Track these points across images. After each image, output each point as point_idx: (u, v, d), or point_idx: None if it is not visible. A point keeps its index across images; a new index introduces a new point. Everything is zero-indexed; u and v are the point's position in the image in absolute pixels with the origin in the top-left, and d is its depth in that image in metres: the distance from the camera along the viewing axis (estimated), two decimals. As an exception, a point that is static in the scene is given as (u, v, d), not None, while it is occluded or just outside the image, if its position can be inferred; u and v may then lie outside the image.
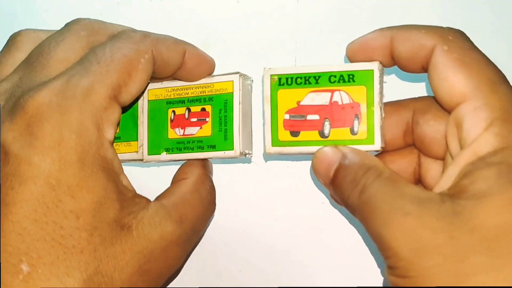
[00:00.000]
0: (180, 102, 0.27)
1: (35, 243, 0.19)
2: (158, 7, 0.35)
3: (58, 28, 0.31)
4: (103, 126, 0.21)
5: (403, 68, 0.24)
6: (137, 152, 0.27)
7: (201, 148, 0.26)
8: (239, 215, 0.31)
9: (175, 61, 0.25)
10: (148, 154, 0.27)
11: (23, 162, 0.19)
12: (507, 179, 0.19)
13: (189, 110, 0.26)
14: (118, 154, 0.25)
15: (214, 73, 0.27)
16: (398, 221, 0.19)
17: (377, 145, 0.23)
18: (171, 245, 0.22)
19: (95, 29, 0.24)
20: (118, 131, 0.27)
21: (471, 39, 0.23)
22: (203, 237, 0.31)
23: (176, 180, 0.26)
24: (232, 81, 0.26)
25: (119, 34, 0.24)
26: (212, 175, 0.28)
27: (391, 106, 0.25)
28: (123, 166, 0.24)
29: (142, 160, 0.27)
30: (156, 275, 0.22)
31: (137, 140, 0.27)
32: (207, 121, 0.26)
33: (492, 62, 0.22)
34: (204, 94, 0.26)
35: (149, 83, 0.26)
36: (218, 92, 0.26)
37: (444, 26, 0.23)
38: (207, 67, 0.26)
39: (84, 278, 0.19)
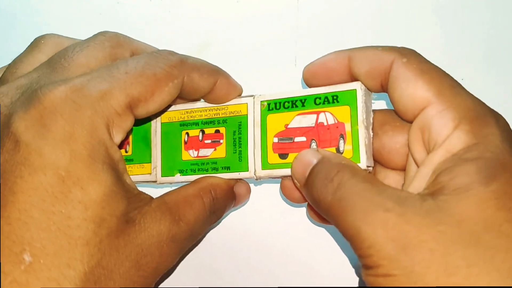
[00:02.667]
0: (194, 124, 0.27)
1: (40, 233, 0.19)
2: (158, 7, 0.35)
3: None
4: (113, 130, 0.22)
5: (366, 85, 0.24)
6: (150, 174, 0.27)
7: (215, 170, 0.27)
8: (239, 215, 0.31)
9: (204, 89, 0.26)
10: (161, 176, 0.27)
11: (33, 152, 0.19)
12: (487, 173, 0.19)
13: (203, 132, 0.27)
14: (131, 176, 0.27)
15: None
16: (379, 218, 0.19)
17: (363, 164, 0.24)
18: (167, 241, 0.22)
19: (120, 43, 0.25)
20: (130, 152, 0.28)
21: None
22: (204, 238, 0.31)
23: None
24: (246, 103, 0.27)
25: (158, 53, 0.24)
26: (240, 199, 0.28)
27: None
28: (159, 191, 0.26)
29: (155, 181, 0.28)
30: (151, 270, 0.22)
31: (150, 162, 0.28)
32: (221, 143, 0.27)
33: (444, 71, 0.22)
34: (218, 116, 0.27)
35: (170, 105, 0.27)
36: (232, 115, 0.27)
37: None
38: (236, 94, 0.27)
39: (86, 270, 0.19)
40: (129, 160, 0.28)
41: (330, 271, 0.29)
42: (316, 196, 0.22)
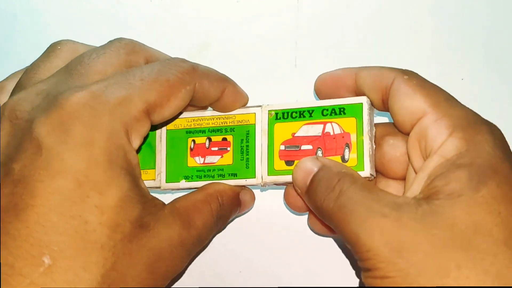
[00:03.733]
0: (201, 132, 0.28)
1: (58, 236, 0.19)
2: (158, 7, 0.35)
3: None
4: (132, 135, 0.22)
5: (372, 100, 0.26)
6: (154, 180, 0.28)
7: (222, 176, 0.27)
8: (240, 217, 0.31)
9: (214, 96, 0.26)
10: (166, 182, 0.28)
11: (55, 156, 0.20)
12: (478, 178, 0.20)
13: (209, 139, 0.28)
14: None
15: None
16: (377, 223, 0.20)
17: (366, 171, 0.25)
18: (177, 246, 0.23)
19: (135, 50, 0.26)
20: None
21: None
22: None
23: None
24: (254, 113, 0.27)
25: (171, 60, 0.25)
26: (245, 206, 0.28)
27: None
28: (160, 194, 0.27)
29: (159, 187, 0.28)
30: (162, 275, 0.22)
31: (154, 168, 0.28)
32: (228, 150, 0.27)
33: (445, 90, 0.24)
34: (225, 125, 0.28)
35: (181, 112, 0.28)
36: (239, 123, 0.28)
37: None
38: (242, 103, 0.28)
39: (100, 273, 0.19)
40: None
41: (331, 272, 0.30)
42: (319, 204, 0.23)
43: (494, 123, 0.24)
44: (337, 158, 0.26)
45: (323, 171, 0.24)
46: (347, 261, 0.30)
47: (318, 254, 0.30)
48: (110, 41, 0.26)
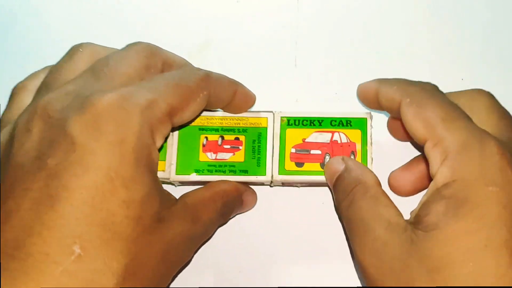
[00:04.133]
0: (214, 130, 0.30)
1: (89, 227, 0.20)
2: (158, 6, 0.35)
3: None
4: (156, 135, 0.24)
5: (392, 117, 0.29)
6: (164, 171, 0.29)
7: (233, 172, 0.29)
8: (239, 215, 0.32)
9: (227, 99, 0.28)
10: (176, 174, 0.29)
11: (88, 152, 0.21)
12: (452, 213, 0.21)
13: (222, 137, 0.30)
14: None
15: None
16: (369, 245, 0.23)
17: None
18: (187, 239, 0.24)
19: (153, 53, 0.27)
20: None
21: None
22: None
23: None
24: (267, 118, 0.30)
25: (189, 67, 0.27)
26: (247, 205, 0.30)
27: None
28: None
29: (168, 178, 0.29)
30: (172, 264, 0.24)
31: (164, 160, 0.29)
32: (240, 149, 0.29)
33: (448, 103, 0.25)
34: (238, 125, 0.30)
35: (198, 115, 0.29)
36: (252, 125, 0.30)
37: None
38: (251, 104, 0.29)
39: (126, 262, 0.21)
40: None
41: (331, 272, 0.31)
42: (337, 204, 0.27)
43: None
44: (343, 164, 0.29)
45: (345, 173, 0.27)
46: (347, 261, 0.31)
47: (318, 254, 0.31)
48: (129, 45, 0.27)
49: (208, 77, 0.26)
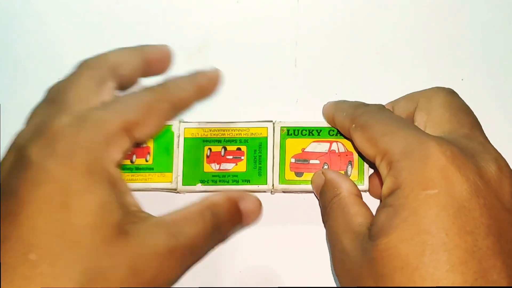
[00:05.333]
0: (217, 141, 0.31)
1: (44, 236, 0.22)
2: (158, 7, 0.35)
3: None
4: (111, 149, 0.25)
5: None
6: (171, 182, 0.31)
7: (236, 182, 0.30)
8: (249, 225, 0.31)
9: (190, 100, 0.28)
10: (182, 185, 0.30)
11: (42, 169, 0.23)
12: (390, 222, 0.22)
13: (225, 148, 0.31)
14: (151, 184, 0.31)
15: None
16: (338, 255, 0.25)
17: (365, 186, 0.30)
18: (165, 253, 0.24)
19: (99, 65, 0.27)
20: (151, 162, 0.31)
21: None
22: None
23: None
24: (267, 127, 0.31)
25: (144, 88, 0.27)
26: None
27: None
28: (154, 194, 0.30)
29: (175, 189, 0.30)
30: (148, 279, 0.24)
31: (171, 171, 0.31)
32: (242, 159, 0.31)
33: (388, 118, 0.26)
34: (240, 136, 0.31)
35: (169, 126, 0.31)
36: (253, 136, 0.31)
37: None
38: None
39: (85, 269, 0.22)
40: (149, 168, 0.31)
41: (331, 272, 0.31)
42: (321, 214, 0.29)
43: (494, 123, 0.26)
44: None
45: (324, 187, 0.29)
46: None
47: (318, 254, 0.31)
48: (77, 65, 0.27)
49: (165, 88, 0.27)
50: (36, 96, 0.33)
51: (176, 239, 0.25)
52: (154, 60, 0.28)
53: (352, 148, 0.30)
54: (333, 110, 0.29)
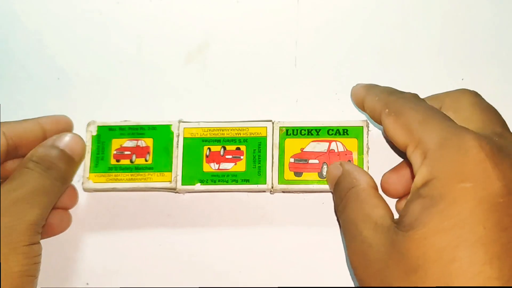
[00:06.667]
0: (216, 141, 0.31)
1: None
2: (158, 7, 0.35)
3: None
4: None
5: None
6: (170, 182, 0.31)
7: (235, 181, 0.30)
8: (239, 215, 0.32)
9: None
10: (182, 184, 0.30)
11: None
12: (427, 213, 0.22)
13: (224, 148, 0.31)
14: (150, 183, 0.31)
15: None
16: (358, 248, 0.24)
17: None
18: None
19: None
20: (150, 161, 0.31)
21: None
22: (203, 238, 0.32)
23: None
24: (266, 127, 0.31)
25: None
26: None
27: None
28: (154, 193, 0.31)
29: (175, 189, 0.30)
30: None
31: (170, 171, 0.31)
32: (242, 159, 0.30)
33: (424, 107, 0.25)
34: (239, 135, 0.31)
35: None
36: (252, 135, 0.31)
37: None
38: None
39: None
40: (149, 168, 0.31)
41: (331, 271, 0.31)
42: (335, 206, 0.28)
43: None
44: (340, 172, 0.30)
45: (341, 177, 0.28)
46: (347, 262, 0.31)
47: (318, 254, 0.31)
48: None
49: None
50: (36, 96, 0.34)
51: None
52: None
53: (352, 147, 0.30)
54: (364, 93, 0.28)
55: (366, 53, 0.34)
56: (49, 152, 0.28)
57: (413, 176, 0.26)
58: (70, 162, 0.29)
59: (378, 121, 0.27)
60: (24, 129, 0.29)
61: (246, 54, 0.34)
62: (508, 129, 0.26)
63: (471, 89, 0.28)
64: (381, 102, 0.26)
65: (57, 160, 0.28)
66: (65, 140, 0.29)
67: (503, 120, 0.26)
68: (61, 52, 0.35)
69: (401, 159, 0.31)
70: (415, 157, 0.24)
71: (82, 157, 0.30)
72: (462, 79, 0.33)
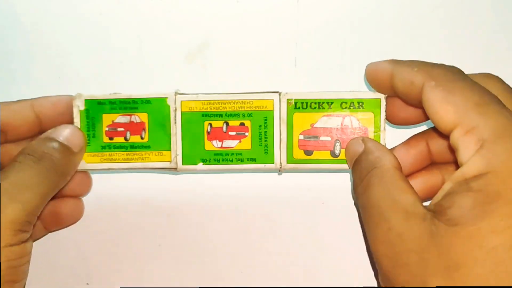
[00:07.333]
0: (217, 115, 0.28)
1: None
2: (158, 7, 0.34)
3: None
4: None
5: (404, 101, 0.26)
6: (170, 162, 0.28)
7: (240, 161, 0.28)
8: (240, 215, 0.32)
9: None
10: (182, 164, 0.28)
11: None
12: (480, 209, 0.20)
13: (227, 123, 0.28)
14: (149, 163, 0.28)
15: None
16: (384, 235, 0.22)
17: None
18: None
19: None
20: (147, 139, 0.29)
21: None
22: (204, 238, 0.32)
23: None
24: (272, 99, 0.28)
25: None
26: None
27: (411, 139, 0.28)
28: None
29: (176, 169, 0.28)
30: None
31: (169, 150, 0.28)
32: (247, 136, 0.28)
33: (479, 86, 0.23)
34: (243, 109, 0.28)
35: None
36: (257, 109, 0.28)
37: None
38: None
39: None
40: (145, 146, 0.29)
41: (331, 271, 0.31)
42: (355, 186, 0.25)
43: None
44: (354, 150, 0.27)
45: (363, 155, 0.25)
46: (347, 261, 0.31)
47: (318, 254, 0.31)
48: None
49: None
50: (35, 95, 0.32)
51: None
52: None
53: (367, 122, 0.27)
54: (393, 65, 0.25)
55: (366, 53, 0.33)
56: (42, 143, 0.26)
57: (427, 153, 0.25)
58: (67, 152, 0.27)
59: (414, 97, 0.24)
60: (13, 112, 0.27)
61: (246, 54, 0.33)
62: None
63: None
64: (423, 74, 0.24)
65: (52, 151, 0.26)
66: (61, 131, 0.27)
67: None
68: (62, 52, 0.34)
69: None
70: (466, 143, 0.21)
71: (81, 147, 0.28)
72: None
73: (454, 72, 0.24)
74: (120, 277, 0.31)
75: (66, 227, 0.31)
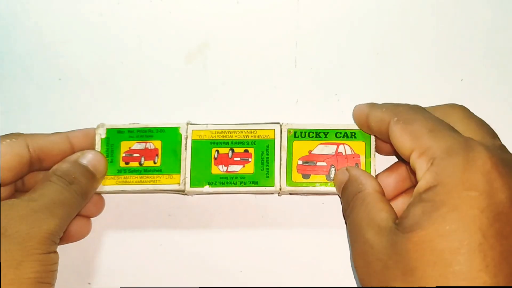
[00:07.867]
0: (224, 143, 0.31)
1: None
2: (158, 7, 0.34)
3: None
4: None
5: (380, 139, 0.30)
6: (179, 184, 0.31)
7: (243, 183, 0.31)
8: (240, 215, 0.32)
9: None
10: (190, 187, 0.31)
11: None
12: (428, 216, 0.22)
13: (232, 150, 0.31)
14: (159, 185, 0.31)
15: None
16: (360, 247, 0.25)
17: None
18: None
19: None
20: (159, 164, 0.31)
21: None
22: (204, 238, 0.32)
23: None
24: (274, 129, 0.31)
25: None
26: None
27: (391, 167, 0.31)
28: (162, 195, 0.32)
29: (183, 191, 0.31)
30: None
31: (179, 173, 0.31)
32: (250, 161, 0.31)
33: (433, 117, 0.26)
34: (247, 138, 0.31)
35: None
36: (260, 138, 0.31)
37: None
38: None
39: None
40: (157, 170, 0.31)
41: (331, 270, 0.31)
42: (343, 209, 0.29)
43: (493, 124, 0.26)
44: (347, 175, 0.30)
45: (348, 182, 0.29)
46: (347, 261, 0.31)
47: (318, 254, 0.32)
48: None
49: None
50: (36, 96, 0.34)
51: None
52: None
53: (359, 150, 0.30)
54: (368, 109, 0.29)
55: (365, 53, 0.34)
56: (72, 168, 0.29)
57: (407, 175, 0.28)
58: (92, 178, 0.30)
59: (384, 133, 0.28)
60: (51, 143, 0.30)
61: (246, 54, 0.34)
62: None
63: (471, 89, 0.29)
64: (389, 112, 0.27)
65: (80, 176, 0.29)
66: (89, 157, 0.30)
67: (497, 134, 0.27)
68: (62, 53, 0.35)
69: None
70: (420, 163, 0.24)
71: (103, 174, 0.31)
72: (462, 80, 0.33)
73: (414, 108, 0.27)
74: (122, 277, 0.31)
75: (70, 243, 0.32)
